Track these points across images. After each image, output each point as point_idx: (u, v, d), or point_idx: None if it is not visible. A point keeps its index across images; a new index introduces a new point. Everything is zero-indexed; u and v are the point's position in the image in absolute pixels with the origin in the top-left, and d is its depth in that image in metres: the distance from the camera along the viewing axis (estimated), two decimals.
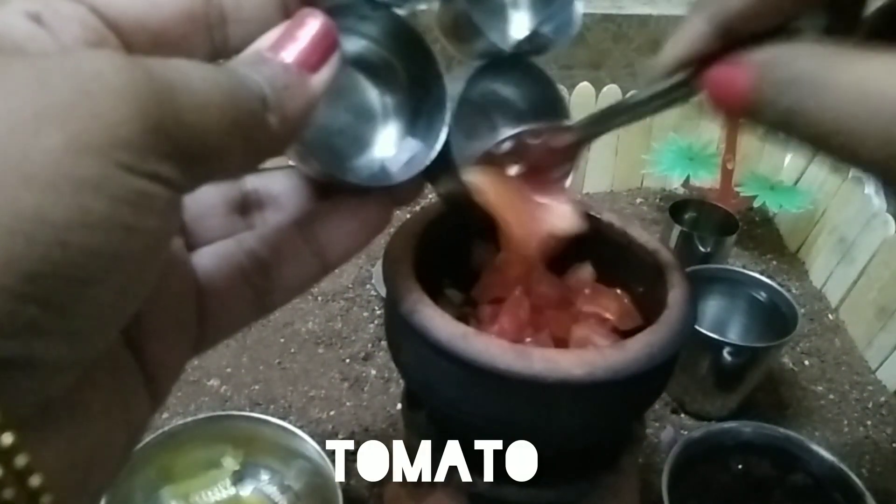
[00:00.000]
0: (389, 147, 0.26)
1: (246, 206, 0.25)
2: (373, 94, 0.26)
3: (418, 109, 0.26)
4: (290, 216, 0.24)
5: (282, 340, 0.62)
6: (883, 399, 0.61)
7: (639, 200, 0.86)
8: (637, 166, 0.85)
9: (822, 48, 0.20)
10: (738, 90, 0.21)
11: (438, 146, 0.26)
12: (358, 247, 0.25)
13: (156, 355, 0.20)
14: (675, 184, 0.87)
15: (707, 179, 0.78)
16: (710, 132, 0.81)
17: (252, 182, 0.25)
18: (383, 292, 0.58)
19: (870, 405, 0.61)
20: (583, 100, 0.78)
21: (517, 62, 0.29)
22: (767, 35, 0.21)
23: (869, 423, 0.59)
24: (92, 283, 0.14)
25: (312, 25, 0.19)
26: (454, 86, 0.26)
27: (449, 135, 0.26)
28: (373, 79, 0.26)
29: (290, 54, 0.19)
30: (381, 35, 0.25)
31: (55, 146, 0.13)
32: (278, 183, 0.25)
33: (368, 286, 0.68)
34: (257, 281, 0.23)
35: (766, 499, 0.48)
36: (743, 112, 0.21)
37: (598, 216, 0.38)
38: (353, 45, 0.25)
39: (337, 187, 0.24)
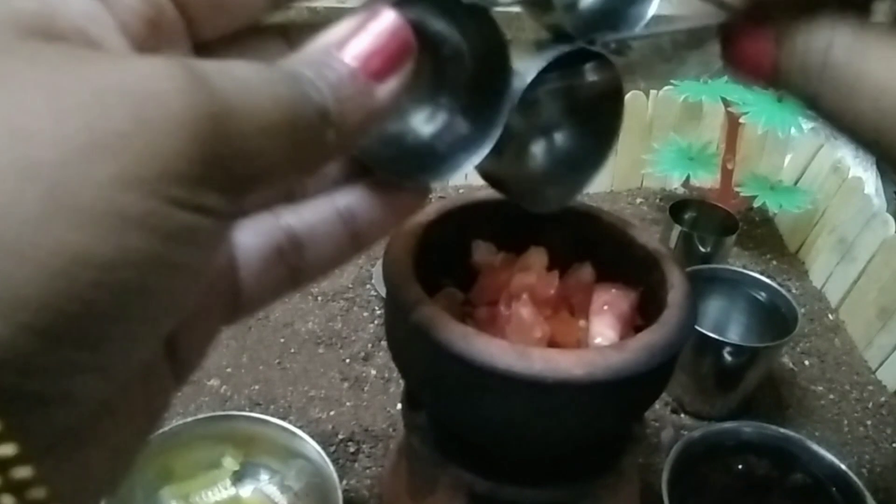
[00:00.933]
0: (439, 127, 0.26)
1: None
2: (433, 77, 0.25)
3: (478, 95, 0.25)
4: (328, 186, 0.23)
5: (282, 340, 0.62)
6: (883, 399, 0.61)
7: (639, 200, 0.86)
8: (637, 166, 0.84)
9: (856, 34, 0.19)
10: (766, 67, 0.21)
11: (490, 141, 0.25)
12: (392, 226, 0.24)
13: (186, 337, 0.19)
14: (675, 184, 0.87)
15: (707, 179, 0.78)
16: (710, 132, 0.81)
17: None
18: (383, 292, 0.58)
19: (870, 405, 0.61)
20: None
21: (584, 55, 0.28)
22: (798, 6, 0.20)
23: (869, 423, 0.59)
24: (129, 319, 0.13)
25: (387, 26, 0.18)
26: (518, 79, 0.25)
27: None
28: (437, 59, 0.25)
29: (359, 58, 0.17)
30: (459, 18, 0.24)
31: (106, 180, 0.12)
32: None
33: (368, 286, 0.68)
34: (291, 258, 0.22)
35: (766, 499, 0.48)
36: (770, 85, 0.21)
37: (598, 216, 0.38)
38: (426, 18, 0.23)
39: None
